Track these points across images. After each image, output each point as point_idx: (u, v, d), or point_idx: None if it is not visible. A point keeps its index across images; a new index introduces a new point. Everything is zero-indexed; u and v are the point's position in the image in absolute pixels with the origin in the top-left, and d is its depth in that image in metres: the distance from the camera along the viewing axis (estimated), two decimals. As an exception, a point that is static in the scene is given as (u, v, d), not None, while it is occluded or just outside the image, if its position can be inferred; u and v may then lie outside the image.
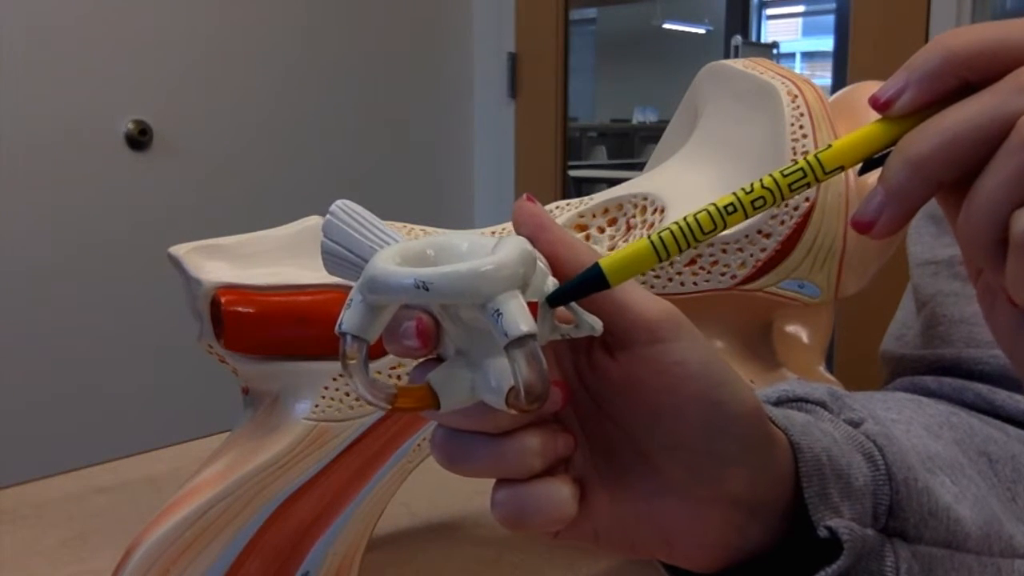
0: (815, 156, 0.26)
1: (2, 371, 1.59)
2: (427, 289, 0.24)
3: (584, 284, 0.27)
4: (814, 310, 0.57)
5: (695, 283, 0.50)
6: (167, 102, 1.76)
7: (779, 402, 0.36)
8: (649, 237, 0.27)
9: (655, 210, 0.52)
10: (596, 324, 0.28)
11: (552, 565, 0.57)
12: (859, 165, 0.27)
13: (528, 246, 0.26)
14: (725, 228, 0.27)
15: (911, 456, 0.33)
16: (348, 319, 0.26)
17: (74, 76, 1.64)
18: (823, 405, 0.35)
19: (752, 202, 0.26)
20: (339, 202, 0.29)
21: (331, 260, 0.30)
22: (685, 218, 0.27)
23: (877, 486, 0.32)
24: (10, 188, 1.58)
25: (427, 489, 0.63)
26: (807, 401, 0.36)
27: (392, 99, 2.11)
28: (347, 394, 0.48)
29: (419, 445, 0.50)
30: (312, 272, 0.49)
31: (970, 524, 0.33)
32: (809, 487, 0.30)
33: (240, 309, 0.46)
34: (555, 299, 0.27)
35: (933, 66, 0.25)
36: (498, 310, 0.24)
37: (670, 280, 0.50)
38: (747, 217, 0.27)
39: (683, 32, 5.68)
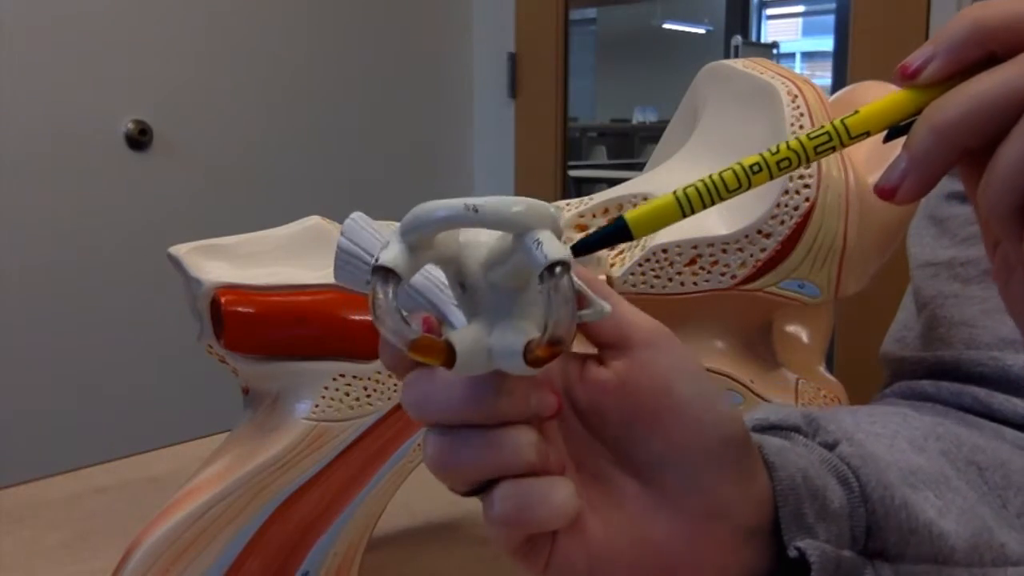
0: (841, 121, 0.27)
1: (2, 371, 1.59)
2: (476, 211, 0.25)
3: (609, 235, 0.28)
4: (814, 310, 0.57)
5: (695, 283, 0.50)
6: (167, 102, 1.76)
7: (753, 430, 0.36)
8: (675, 192, 0.27)
9: (655, 210, 0.52)
10: (605, 307, 0.28)
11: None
12: (884, 133, 0.28)
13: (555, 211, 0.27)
14: (750, 187, 0.27)
15: (891, 473, 0.33)
16: (385, 254, 0.26)
17: (74, 76, 1.64)
18: (797, 430, 0.35)
19: (777, 163, 0.27)
20: (356, 214, 0.32)
21: (345, 260, 0.30)
22: (711, 176, 0.27)
23: (853, 508, 0.32)
24: (10, 188, 1.58)
25: (427, 489, 0.63)
26: (781, 428, 0.35)
27: (392, 99, 2.11)
28: (347, 394, 0.48)
29: (419, 445, 0.50)
30: (312, 272, 0.49)
31: (955, 538, 0.33)
32: (784, 507, 0.30)
33: (240, 309, 0.46)
34: (580, 248, 0.28)
35: (961, 36, 0.26)
36: (538, 240, 0.25)
37: (670, 280, 0.50)
38: (771, 177, 0.27)
39: (683, 32, 5.68)
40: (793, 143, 0.27)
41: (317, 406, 0.47)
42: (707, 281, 0.50)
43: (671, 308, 0.49)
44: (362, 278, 0.32)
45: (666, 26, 5.62)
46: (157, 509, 0.47)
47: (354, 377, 0.48)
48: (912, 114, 0.27)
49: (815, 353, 0.58)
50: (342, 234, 0.30)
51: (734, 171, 0.27)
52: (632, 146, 5.24)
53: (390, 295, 0.25)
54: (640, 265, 0.49)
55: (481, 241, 0.28)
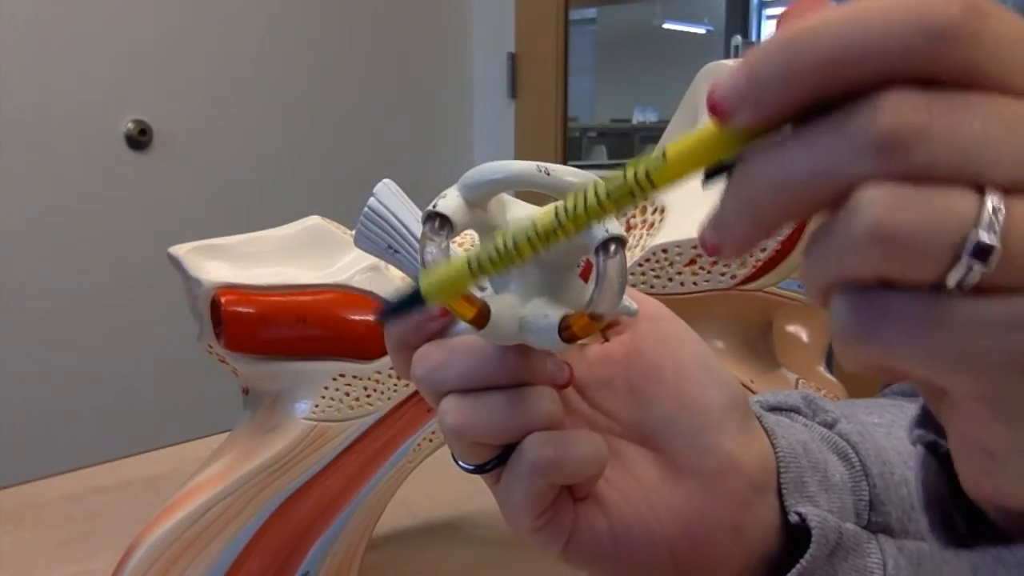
0: (644, 173, 0.22)
1: (2, 371, 1.59)
2: (548, 174, 0.26)
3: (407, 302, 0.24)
4: (814, 310, 0.57)
5: (695, 283, 0.50)
6: (167, 102, 1.76)
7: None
8: (467, 256, 0.23)
9: (655, 210, 0.52)
10: (633, 306, 0.31)
11: (551, 565, 0.57)
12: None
13: None
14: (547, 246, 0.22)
15: (889, 453, 0.33)
16: (444, 203, 0.27)
17: (74, 76, 1.64)
18: (797, 411, 0.35)
19: (575, 224, 0.21)
20: (388, 180, 0.33)
21: (371, 221, 0.31)
22: (503, 238, 0.23)
23: (855, 483, 0.32)
24: (10, 188, 1.58)
25: (427, 489, 0.63)
26: (781, 409, 0.36)
27: (392, 99, 2.11)
28: (347, 394, 0.48)
29: (419, 445, 0.50)
30: (312, 272, 0.49)
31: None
32: (786, 472, 0.31)
33: (240, 309, 0.46)
34: (384, 314, 0.25)
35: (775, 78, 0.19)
36: None
37: (670, 280, 0.50)
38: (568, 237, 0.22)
39: (683, 32, 5.67)
40: (592, 206, 0.21)
41: (317, 406, 0.47)
42: (707, 281, 0.50)
43: (671, 308, 0.49)
44: (384, 243, 0.32)
45: (666, 26, 5.61)
46: (157, 509, 0.47)
47: (354, 377, 0.48)
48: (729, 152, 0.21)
49: (815, 353, 0.58)
50: (373, 196, 0.31)
51: (528, 237, 0.22)
52: (632, 146, 5.23)
53: (443, 242, 0.26)
54: (640, 265, 0.49)
55: (528, 217, 0.27)
